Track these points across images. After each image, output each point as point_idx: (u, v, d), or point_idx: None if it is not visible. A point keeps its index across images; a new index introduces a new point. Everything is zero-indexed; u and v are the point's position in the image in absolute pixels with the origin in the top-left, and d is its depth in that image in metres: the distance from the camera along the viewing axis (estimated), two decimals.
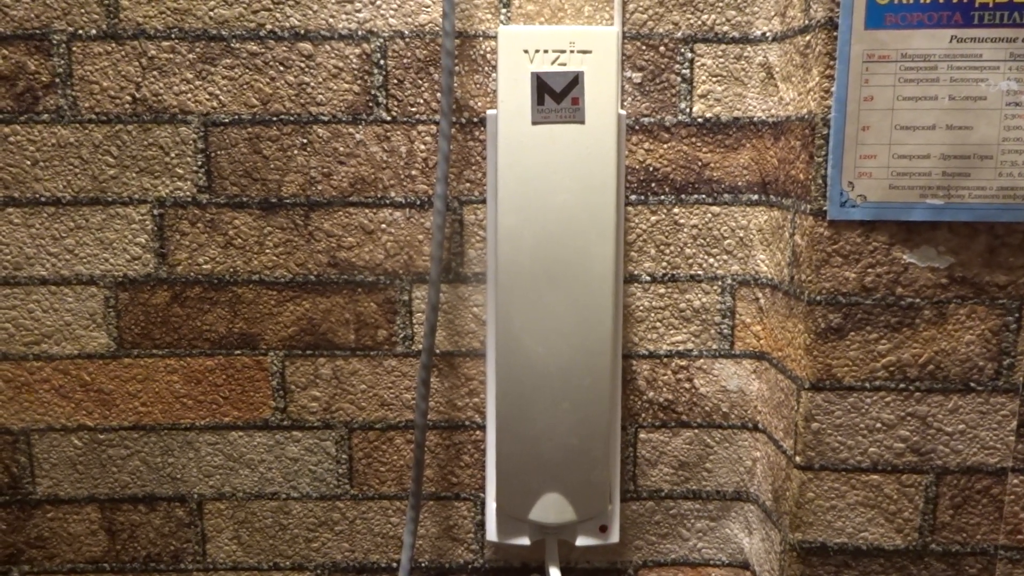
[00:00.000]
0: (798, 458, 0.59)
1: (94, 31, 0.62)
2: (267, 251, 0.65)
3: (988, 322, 0.56)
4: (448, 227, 0.65)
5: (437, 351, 0.67)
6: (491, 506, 0.65)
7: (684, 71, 0.63)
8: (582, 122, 0.57)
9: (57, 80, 0.62)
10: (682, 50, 0.63)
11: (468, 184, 0.64)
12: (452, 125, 0.63)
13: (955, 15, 0.52)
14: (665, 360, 0.67)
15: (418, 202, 0.64)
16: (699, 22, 0.62)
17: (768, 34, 0.62)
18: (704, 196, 0.64)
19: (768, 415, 0.65)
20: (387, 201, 0.64)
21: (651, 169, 0.64)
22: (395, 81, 0.63)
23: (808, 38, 0.55)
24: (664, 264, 0.65)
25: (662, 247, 0.65)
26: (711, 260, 0.65)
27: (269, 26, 0.62)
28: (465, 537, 0.69)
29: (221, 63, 0.62)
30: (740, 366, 0.66)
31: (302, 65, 0.63)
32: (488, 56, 0.63)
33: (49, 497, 0.68)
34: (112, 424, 0.67)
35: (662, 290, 0.66)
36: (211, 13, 0.62)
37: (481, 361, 0.67)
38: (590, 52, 0.57)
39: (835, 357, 0.57)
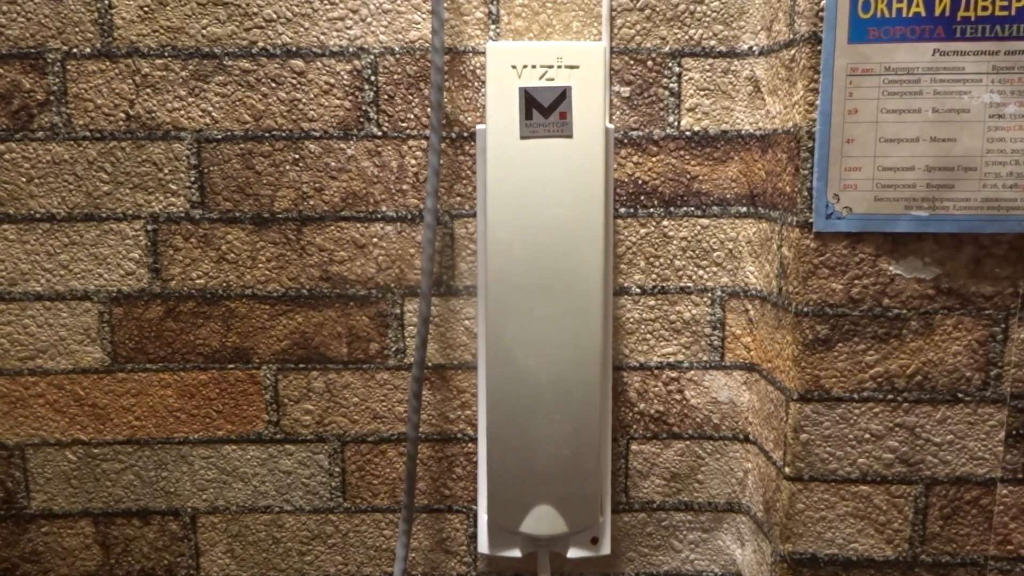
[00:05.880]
0: (787, 469, 0.59)
1: (88, 50, 0.63)
2: (260, 266, 0.65)
3: (975, 333, 0.56)
4: (439, 241, 0.65)
5: (429, 364, 0.67)
6: (483, 518, 0.65)
7: (672, 85, 0.63)
8: (570, 136, 0.58)
9: (52, 98, 0.63)
10: (670, 64, 0.63)
11: (459, 198, 0.65)
12: (442, 140, 0.63)
13: (937, 28, 0.53)
14: (656, 372, 0.67)
15: (409, 216, 0.65)
16: (686, 37, 0.63)
17: (755, 48, 0.62)
18: (693, 208, 0.65)
19: (758, 426, 0.65)
20: (378, 215, 0.65)
21: (640, 182, 0.65)
22: (386, 97, 0.64)
23: (793, 52, 0.56)
24: (654, 276, 0.66)
25: (652, 259, 0.65)
26: (701, 272, 0.66)
27: (261, 43, 0.63)
28: (458, 549, 0.70)
29: (214, 80, 0.63)
30: (731, 377, 0.67)
31: (294, 82, 0.63)
32: (477, 72, 0.63)
33: (43, 511, 0.69)
34: (106, 438, 0.68)
35: (652, 302, 0.66)
36: (204, 31, 0.63)
37: (473, 374, 0.67)
38: (577, 67, 0.58)
39: (823, 368, 0.57)
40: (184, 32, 0.63)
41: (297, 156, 0.64)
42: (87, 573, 0.70)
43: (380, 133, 0.64)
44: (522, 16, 0.63)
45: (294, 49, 0.63)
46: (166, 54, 0.63)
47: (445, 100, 0.64)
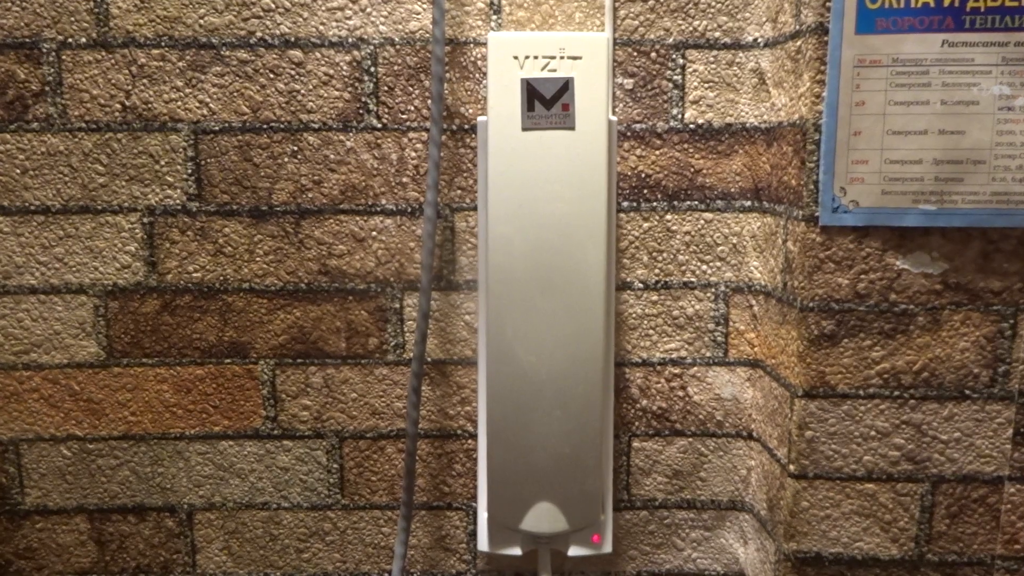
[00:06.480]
0: (792, 467, 0.58)
1: (84, 40, 0.62)
2: (257, 259, 0.65)
3: (983, 328, 0.55)
4: (439, 234, 0.65)
5: (428, 359, 0.66)
6: (483, 516, 0.64)
7: (676, 77, 0.63)
8: (572, 128, 0.57)
9: (47, 88, 0.62)
10: (674, 56, 0.62)
11: (459, 191, 0.64)
12: (443, 132, 0.63)
13: (946, 19, 0.52)
14: (658, 368, 0.66)
15: (409, 209, 0.64)
16: (690, 28, 0.62)
17: (760, 40, 0.62)
18: (697, 203, 0.64)
19: (762, 423, 0.64)
20: (378, 208, 0.64)
21: (643, 175, 0.64)
22: (385, 88, 0.63)
23: (799, 43, 0.55)
24: (657, 271, 0.65)
25: (655, 254, 0.65)
26: (704, 267, 0.65)
27: (259, 34, 0.62)
28: (457, 547, 0.69)
29: (211, 71, 0.62)
30: (734, 374, 0.66)
31: (292, 72, 0.62)
32: (478, 63, 0.62)
33: (38, 507, 0.68)
34: (101, 434, 0.67)
35: (655, 297, 0.65)
36: (201, 21, 0.62)
37: (473, 369, 0.66)
38: (580, 58, 0.57)
39: (828, 364, 0.56)
40: (181, 22, 0.62)
41: (295, 148, 0.63)
42: (82, 570, 0.69)
43: (380, 125, 0.63)
44: (524, 6, 0.62)
45: (293, 39, 0.62)
46: (163, 44, 0.62)
47: (446, 91, 0.63)
